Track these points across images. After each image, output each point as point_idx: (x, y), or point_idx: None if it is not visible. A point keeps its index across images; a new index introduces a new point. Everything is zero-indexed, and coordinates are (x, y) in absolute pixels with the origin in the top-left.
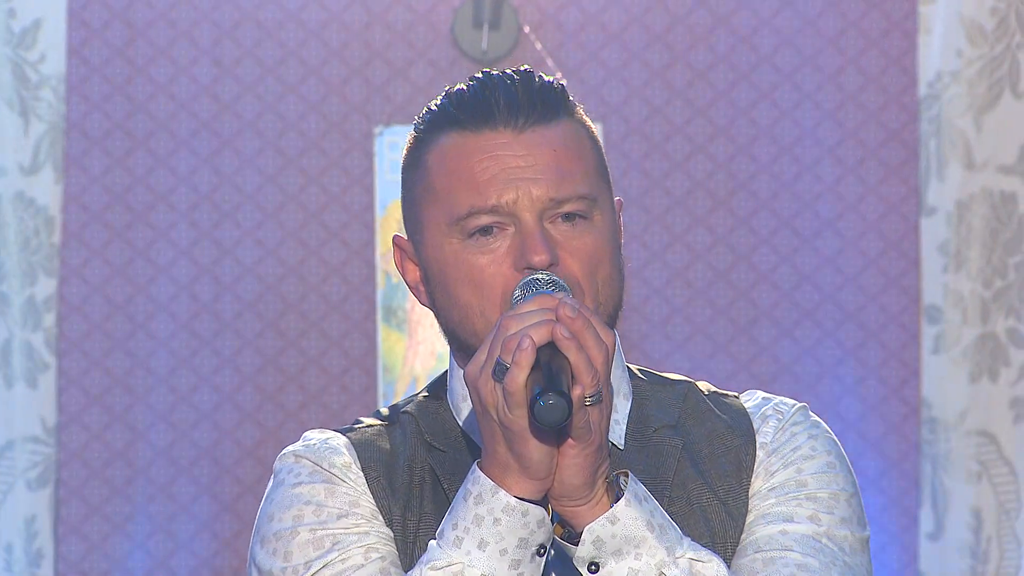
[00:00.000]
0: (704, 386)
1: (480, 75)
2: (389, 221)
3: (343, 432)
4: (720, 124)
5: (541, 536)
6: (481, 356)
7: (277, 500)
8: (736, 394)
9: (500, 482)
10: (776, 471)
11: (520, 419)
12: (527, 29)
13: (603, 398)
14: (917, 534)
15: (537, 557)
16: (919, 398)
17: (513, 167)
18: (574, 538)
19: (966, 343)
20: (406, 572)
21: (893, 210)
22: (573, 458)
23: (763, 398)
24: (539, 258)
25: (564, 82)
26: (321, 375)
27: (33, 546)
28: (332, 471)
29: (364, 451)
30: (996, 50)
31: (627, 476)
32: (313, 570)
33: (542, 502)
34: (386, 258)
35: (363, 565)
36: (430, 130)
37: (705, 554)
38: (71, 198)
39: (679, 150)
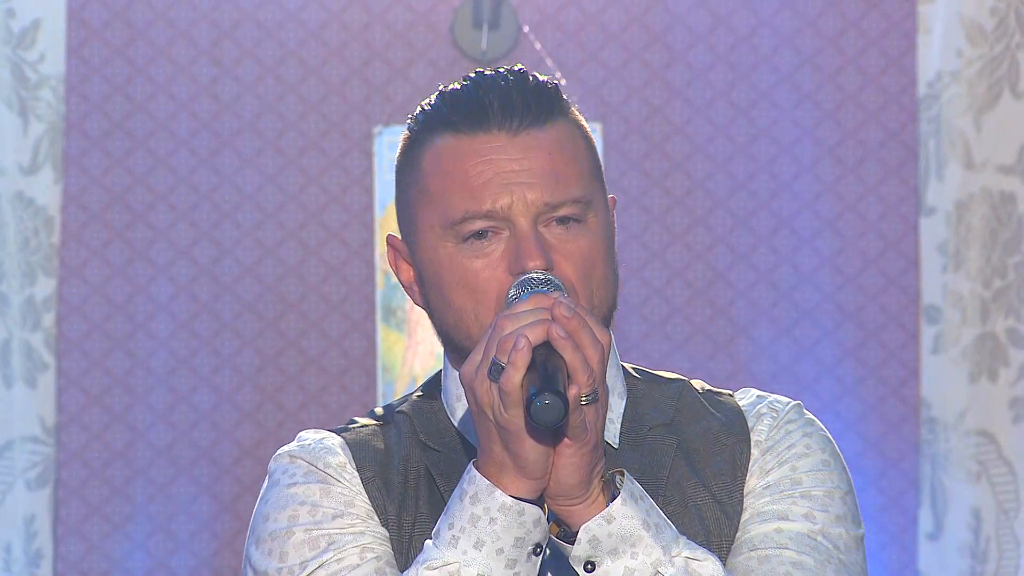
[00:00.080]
0: (698, 384)
1: (474, 75)
2: (389, 221)
3: (338, 432)
4: (720, 124)
5: (537, 535)
6: (477, 356)
7: (272, 500)
8: (730, 392)
9: (496, 481)
10: (771, 469)
11: (516, 419)
12: (527, 29)
13: (599, 397)
14: (916, 534)
15: (533, 556)
16: (918, 398)
17: (508, 171)
18: (570, 537)
19: (965, 343)
20: (402, 572)
21: (892, 210)
22: (569, 457)
23: (757, 396)
24: (534, 263)
25: (563, 82)
26: (321, 375)
27: (32, 546)
28: (327, 471)
29: (359, 451)
30: (996, 50)
31: (623, 475)
32: (309, 570)
33: (538, 501)
34: (385, 258)
35: (359, 565)
36: (424, 131)
37: (701, 553)
38: (70, 198)
39: (679, 150)
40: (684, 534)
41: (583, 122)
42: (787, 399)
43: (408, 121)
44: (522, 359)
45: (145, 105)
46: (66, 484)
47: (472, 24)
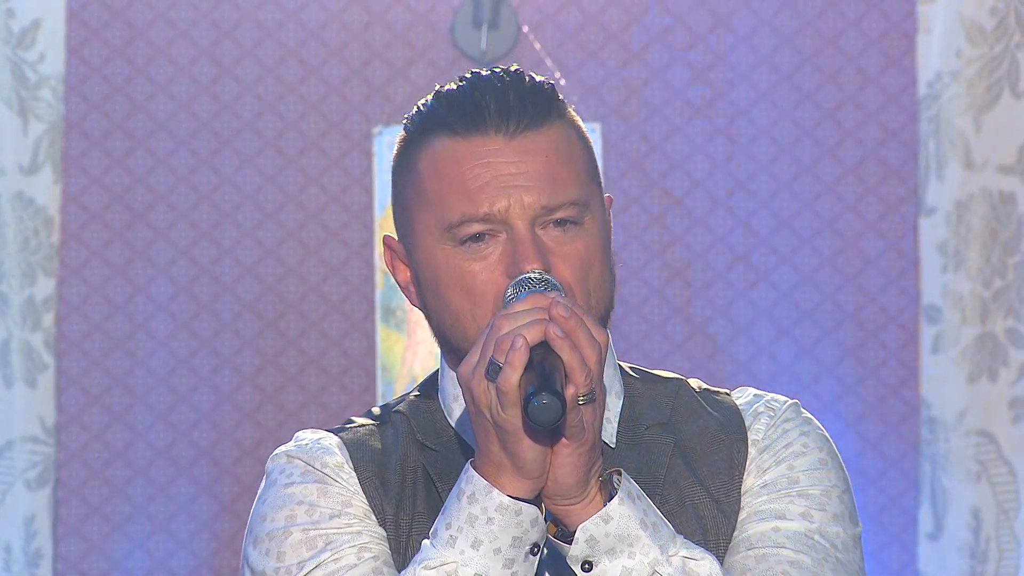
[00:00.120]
0: (695, 383)
1: (470, 75)
2: (388, 221)
3: (335, 432)
4: (719, 124)
5: (534, 535)
6: (474, 356)
7: (270, 500)
8: (728, 391)
9: (494, 481)
10: (768, 468)
11: (514, 418)
12: (526, 29)
13: (596, 397)
14: (916, 534)
15: (531, 556)
16: (918, 398)
17: (505, 174)
18: (567, 537)
19: (965, 343)
20: (399, 572)
21: (892, 210)
22: (567, 457)
23: (754, 395)
24: (531, 266)
25: (563, 82)
26: (320, 375)
27: (32, 546)
28: (324, 471)
29: (356, 451)
30: (995, 50)
31: (620, 475)
32: (306, 570)
33: (535, 501)
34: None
35: (356, 565)
36: (420, 133)
37: (698, 552)
38: (70, 198)
39: (678, 150)
40: (681, 533)
41: (579, 122)
42: (784, 398)
43: (404, 121)
44: (519, 359)
45: (145, 105)
46: (66, 484)
47: (472, 24)
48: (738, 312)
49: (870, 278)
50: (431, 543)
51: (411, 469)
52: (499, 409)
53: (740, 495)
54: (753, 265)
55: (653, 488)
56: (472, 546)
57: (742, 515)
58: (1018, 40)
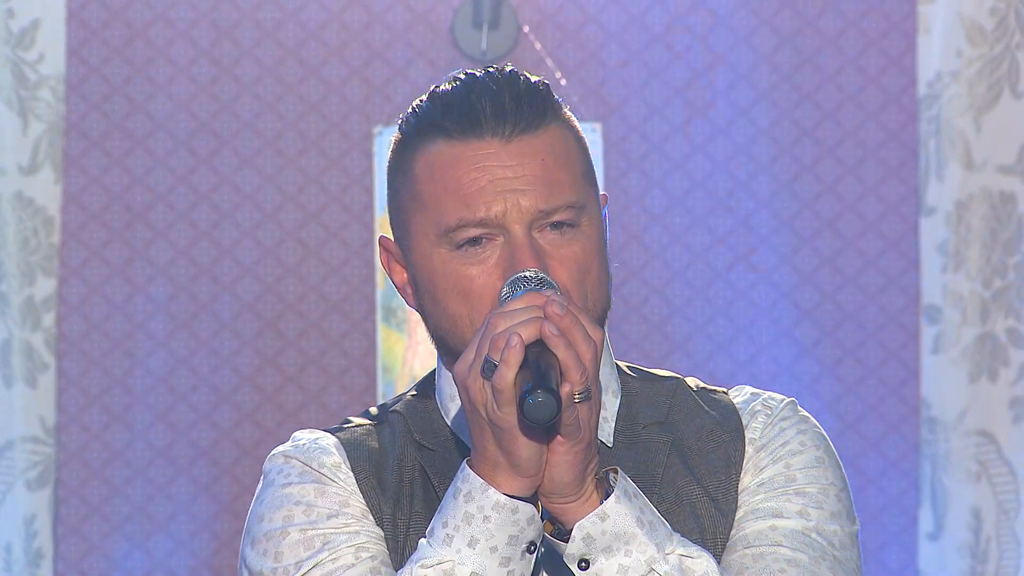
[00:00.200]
0: (693, 382)
1: (464, 76)
2: (388, 221)
3: (332, 432)
4: (719, 124)
5: (531, 533)
6: (470, 354)
7: (267, 501)
8: (725, 390)
9: (490, 480)
10: (765, 466)
11: (509, 416)
12: (527, 29)
13: (592, 395)
14: (916, 534)
15: (527, 554)
16: (918, 398)
17: (501, 178)
18: (564, 535)
19: (965, 343)
20: (397, 571)
21: (892, 210)
22: (563, 455)
23: (752, 393)
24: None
25: (564, 82)
26: (320, 375)
27: (32, 546)
28: (322, 471)
29: (353, 450)
30: (996, 50)
31: (616, 473)
32: (304, 570)
33: (532, 499)
34: None
35: (353, 565)
36: (416, 135)
37: (695, 550)
38: (70, 198)
39: (678, 150)
40: (678, 532)
41: (575, 122)
42: (781, 396)
43: (399, 123)
44: (515, 357)
45: (145, 105)
46: (66, 484)
47: (472, 24)
48: (738, 312)
49: (870, 278)
50: (428, 542)
51: (408, 469)
52: (495, 407)
53: (737, 493)
54: (753, 265)
55: (650, 487)
56: (469, 545)
57: (739, 513)
58: (1018, 40)
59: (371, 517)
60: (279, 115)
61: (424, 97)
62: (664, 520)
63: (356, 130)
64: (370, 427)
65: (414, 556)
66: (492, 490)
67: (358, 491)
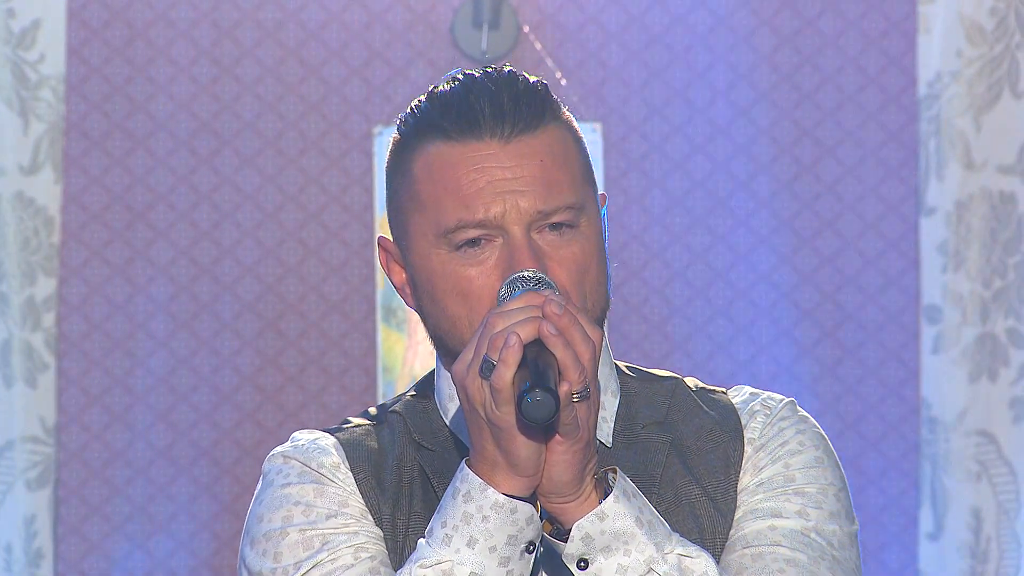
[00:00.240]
0: (692, 382)
1: (463, 76)
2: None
3: (331, 432)
4: (719, 124)
5: (530, 533)
6: (468, 354)
7: (266, 501)
8: (724, 390)
9: (489, 479)
10: (764, 466)
11: (508, 416)
12: (527, 29)
13: (590, 394)
14: (917, 534)
15: (526, 554)
16: (919, 398)
17: (500, 179)
18: (563, 535)
19: (965, 343)
20: (396, 571)
21: (892, 210)
22: (561, 455)
23: (751, 393)
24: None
25: (564, 82)
26: (321, 375)
27: (33, 546)
28: (321, 471)
29: (353, 451)
30: (996, 50)
31: (615, 472)
32: (303, 570)
33: (531, 499)
34: None
35: (353, 565)
36: (414, 136)
37: (694, 550)
38: (71, 198)
39: (678, 150)
40: (677, 531)
41: (573, 122)
42: (780, 396)
43: (398, 123)
44: (513, 356)
45: (145, 105)
46: (66, 484)
47: (472, 24)
48: (738, 312)
49: (870, 278)
50: (427, 542)
51: (407, 469)
52: (493, 407)
53: (736, 493)
54: (753, 265)
55: (649, 486)
56: (468, 544)
57: (738, 513)
58: (1018, 40)
59: (370, 517)
60: (280, 115)
61: (423, 97)
62: (663, 520)
63: (356, 130)
64: (369, 427)
65: (413, 556)
66: (491, 490)
67: (357, 491)
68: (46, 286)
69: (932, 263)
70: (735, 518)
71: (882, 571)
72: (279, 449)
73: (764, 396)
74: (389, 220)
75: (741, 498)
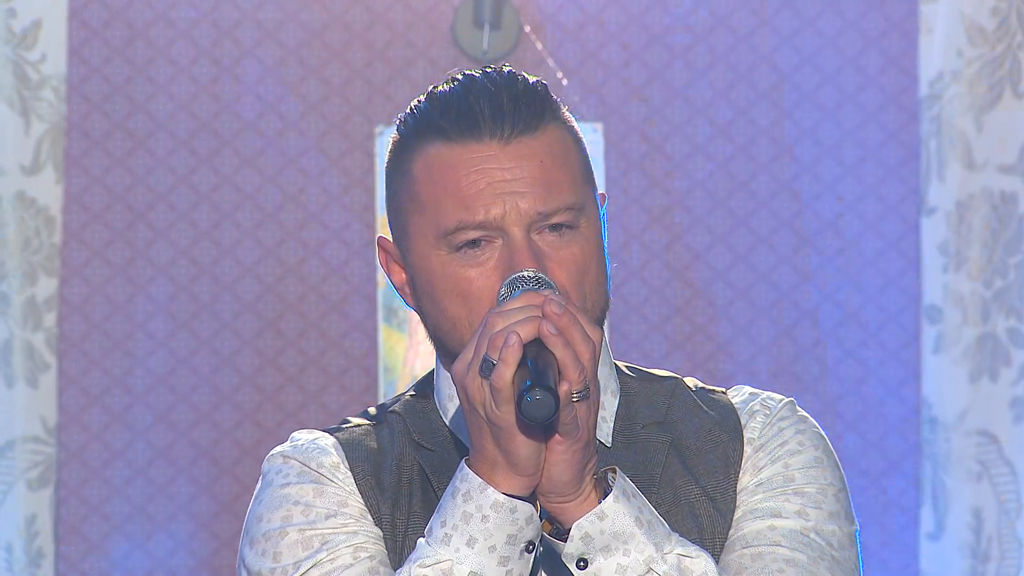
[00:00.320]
0: (691, 382)
1: (462, 77)
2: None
3: (331, 432)
4: (720, 124)
5: (529, 532)
6: (468, 353)
7: (266, 501)
8: (723, 390)
9: (488, 479)
10: (763, 466)
11: (507, 415)
12: (527, 29)
13: (590, 394)
14: (917, 534)
15: (526, 554)
16: (919, 398)
17: (500, 180)
18: (562, 534)
19: (966, 343)
20: (395, 571)
21: (893, 210)
22: (561, 454)
23: (750, 393)
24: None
25: (564, 82)
26: (321, 375)
27: (33, 546)
28: (320, 471)
29: (352, 451)
30: (997, 50)
31: (615, 472)
32: (302, 570)
33: (530, 498)
34: None
35: (352, 564)
36: (414, 136)
37: (693, 550)
38: (72, 198)
39: (679, 150)
40: (677, 531)
41: (573, 122)
42: (780, 396)
43: (397, 123)
44: (513, 355)
45: (146, 105)
46: (66, 484)
47: (473, 24)
48: (738, 312)
49: (870, 278)
50: (426, 541)
51: (407, 469)
52: (493, 406)
53: (736, 493)
54: (753, 265)
55: (649, 486)
56: (467, 544)
57: (738, 513)
58: (1019, 40)
59: (369, 517)
60: (280, 115)
61: (422, 97)
62: (662, 520)
63: (357, 130)
64: (368, 427)
65: (412, 555)
66: (491, 489)
67: (356, 491)
68: (47, 286)
69: (933, 263)
70: (734, 518)
71: (882, 571)
72: (278, 449)
73: (764, 396)
74: (389, 220)
75: (740, 498)
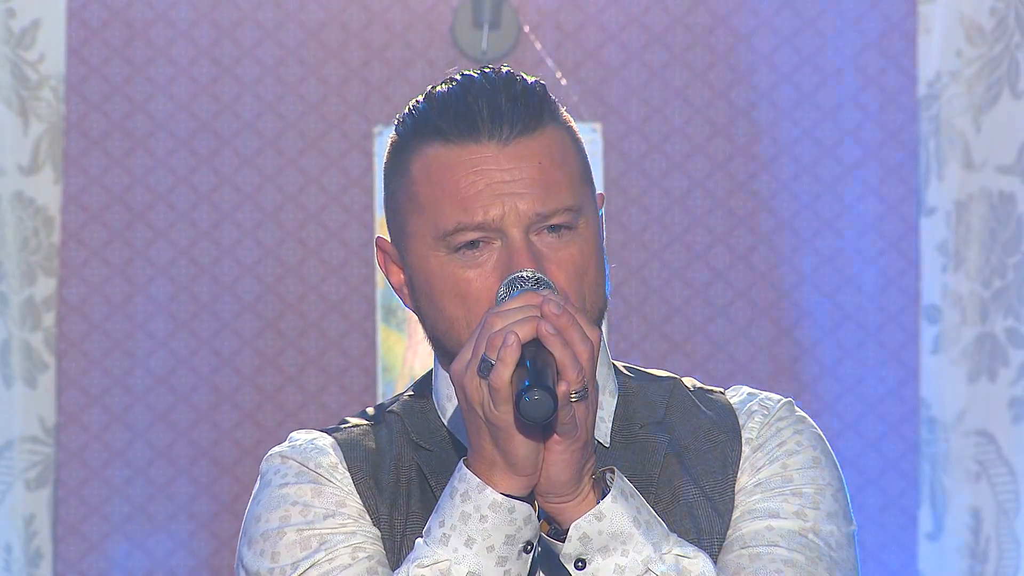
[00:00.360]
0: (689, 382)
1: (461, 77)
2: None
3: (329, 432)
4: (719, 124)
5: (528, 533)
6: (467, 353)
7: (264, 501)
8: (722, 390)
9: (486, 479)
10: (762, 467)
11: (506, 415)
12: (527, 29)
13: (589, 394)
14: (916, 534)
15: (524, 554)
16: (918, 398)
17: (499, 182)
18: (561, 535)
19: (965, 343)
20: (394, 571)
21: (892, 210)
22: (559, 454)
23: (748, 394)
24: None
25: (563, 81)
26: (320, 375)
27: (32, 546)
28: (318, 471)
29: (350, 451)
30: (995, 50)
31: (613, 472)
32: (300, 570)
33: (529, 499)
34: None
35: (350, 565)
36: (412, 137)
37: (691, 550)
38: (70, 198)
39: (678, 150)
40: (675, 532)
41: (571, 123)
42: (778, 396)
43: (395, 123)
44: (511, 355)
45: (145, 105)
46: (65, 484)
47: (472, 24)
48: (737, 312)
49: (870, 278)
50: (424, 541)
51: (405, 469)
52: (491, 406)
53: (734, 494)
54: (752, 265)
55: (647, 487)
56: (465, 544)
57: (736, 514)
58: (1018, 40)
59: (368, 517)
60: (279, 115)
61: (420, 98)
62: (661, 520)
63: (356, 130)
64: (367, 427)
65: (411, 556)
66: (489, 489)
67: (355, 491)
68: (46, 286)
69: (932, 263)
70: (733, 518)
71: (882, 571)
72: (277, 449)
73: (762, 396)
74: (387, 220)
75: (739, 498)
